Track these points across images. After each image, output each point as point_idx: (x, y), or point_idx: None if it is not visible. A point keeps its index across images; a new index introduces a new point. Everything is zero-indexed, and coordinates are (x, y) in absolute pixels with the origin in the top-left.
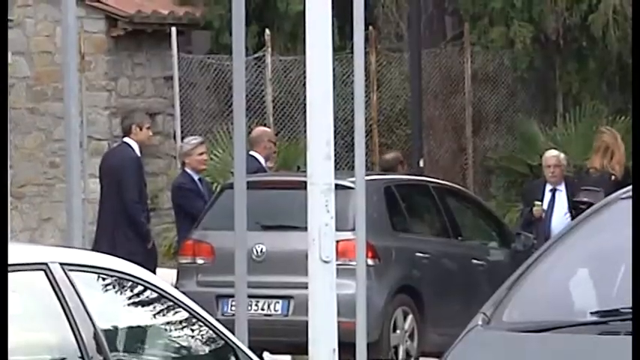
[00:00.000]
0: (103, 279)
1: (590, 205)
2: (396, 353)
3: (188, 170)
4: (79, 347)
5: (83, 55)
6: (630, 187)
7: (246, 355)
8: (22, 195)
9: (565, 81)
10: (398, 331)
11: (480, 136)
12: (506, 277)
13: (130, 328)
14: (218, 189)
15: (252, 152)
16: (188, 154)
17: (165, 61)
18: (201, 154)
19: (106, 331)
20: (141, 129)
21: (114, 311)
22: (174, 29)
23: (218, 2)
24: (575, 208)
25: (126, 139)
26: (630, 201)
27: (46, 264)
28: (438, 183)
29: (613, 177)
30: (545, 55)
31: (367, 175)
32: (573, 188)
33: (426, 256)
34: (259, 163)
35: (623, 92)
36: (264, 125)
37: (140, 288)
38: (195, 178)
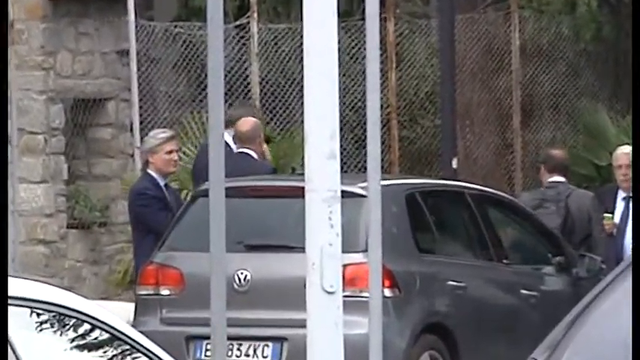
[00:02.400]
0: (38, 315)
1: None
2: None
3: (152, 173)
4: None
5: (12, 22)
6: None
7: None
8: None
9: None
10: None
11: (532, 127)
12: (565, 313)
13: None
14: (189, 197)
15: (245, 150)
16: (153, 152)
17: (119, 30)
18: (170, 152)
19: None
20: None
21: (52, 356)
22: None
23: None
24: None
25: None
26: None
27: None
28: (477, 189)
29: None
30: (615, 22)
31: (384, 179)
32: None
33: (461, 284)
34: (266, 163)
35: None
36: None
37: (87, 327)
38: (161, 183)
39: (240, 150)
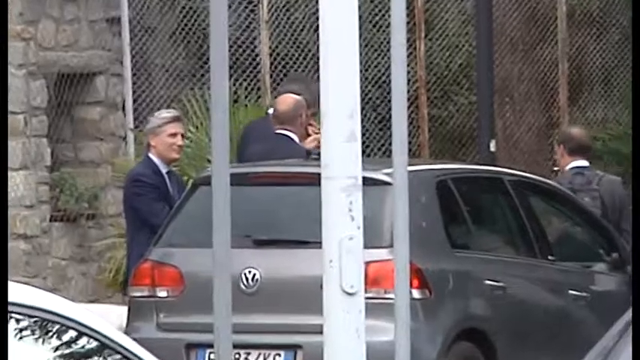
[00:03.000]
0: (18, 320)
1: None
2: None
3: (153, 157)
4: None
5: None
6: None
7: None
8: None
9: None
10: None
11: (580, 104)
12: (619, 316)
13: None
14: (189, 185)
15: (283, 131)
16: (154, 134)
17: None
18: (174, 135)
19: None
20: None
21: None
22: None
23: None
24: None
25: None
26: None
27: None
28: (518, 175)
29: None
30: None
31: (411, 164)
32: None
33: (500, 284)
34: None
35: None
36: (258, 89)
37: (73, 334)
38: (163, 170)
39: (278, 131)
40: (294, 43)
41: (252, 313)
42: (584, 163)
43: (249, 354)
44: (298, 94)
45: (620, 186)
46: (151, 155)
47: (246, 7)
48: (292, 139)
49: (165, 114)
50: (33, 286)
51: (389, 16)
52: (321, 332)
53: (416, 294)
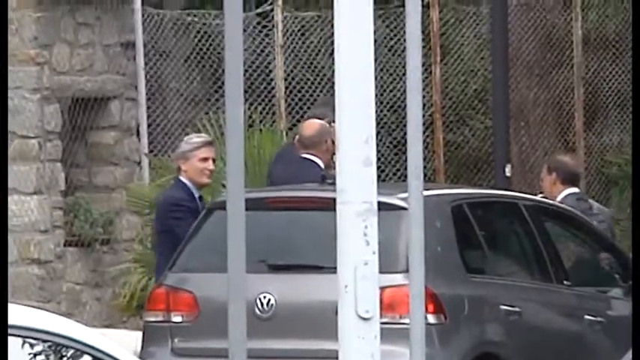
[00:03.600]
0: (32, 345)
1: None
2: None
3: (185, 181)
4: None
5: None
6: None
7: None
8: None
9: None
10: None
11: (596, 129)
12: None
13: None
14: (204, 210)
15: (308, 156)
16: (185, 158)
17: (123, 19)
18: (205, 159)
19: None
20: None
21: None
22: None
23: None
24: None
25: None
26: None
27: None
28: (533, 200)
29: None
30: None
31: (427, 188)
32: None
33: (516, 309)
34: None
35: None
36: (272, 113)
37: (87, 359)
38: (196, 194)
39: (303, 156)
40: (309, 67)
41: (267, 338)
42: (576, 190)
43: None
44: (322, 118)
45: (610, 214)
46: (183, 179)
47: (260, 32)
48: (317, 164)
49: (196, 139)
50: (47, 311)
51: (404, 40)
52: (336, 358)
53: (431, 319)
